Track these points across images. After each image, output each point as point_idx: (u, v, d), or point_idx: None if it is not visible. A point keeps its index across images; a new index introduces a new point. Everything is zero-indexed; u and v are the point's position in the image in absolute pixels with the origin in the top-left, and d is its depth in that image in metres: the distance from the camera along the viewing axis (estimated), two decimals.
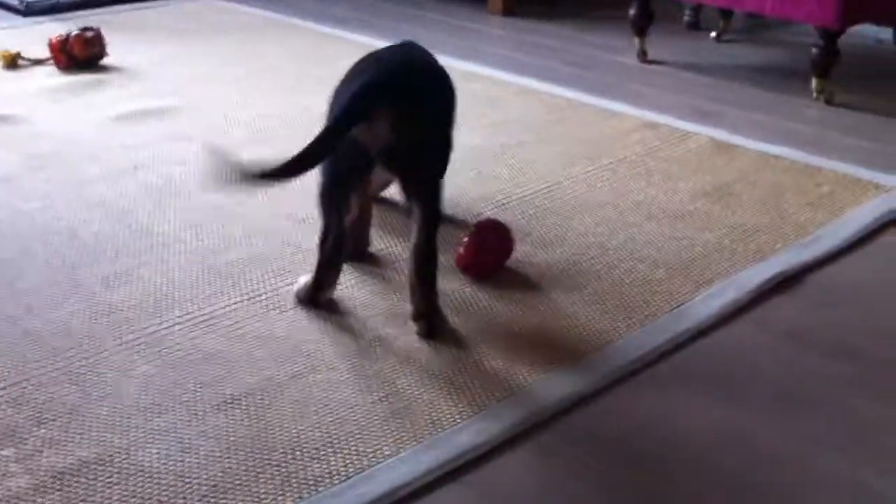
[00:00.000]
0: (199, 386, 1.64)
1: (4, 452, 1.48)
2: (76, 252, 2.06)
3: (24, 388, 1.63)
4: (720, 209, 2.30)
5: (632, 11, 3.43)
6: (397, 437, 1.53)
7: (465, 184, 2.39)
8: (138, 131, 2.73)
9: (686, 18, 3.95)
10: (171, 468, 1.45)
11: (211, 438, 1.51)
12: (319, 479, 1.43)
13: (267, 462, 1.47)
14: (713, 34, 3.79)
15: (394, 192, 2.12)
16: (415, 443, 1.51)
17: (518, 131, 2.77)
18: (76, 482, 1.42)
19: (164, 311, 1.86)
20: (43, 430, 1.52)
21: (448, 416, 1.58)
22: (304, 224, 2.14)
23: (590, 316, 1.87)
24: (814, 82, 3.05)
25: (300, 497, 1.40)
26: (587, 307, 1.90)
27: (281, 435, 1.52)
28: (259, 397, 1.61)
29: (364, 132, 1.68)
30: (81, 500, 1.39)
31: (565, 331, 1.82)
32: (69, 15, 3.96)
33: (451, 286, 1.94)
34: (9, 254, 2.06)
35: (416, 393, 1.63)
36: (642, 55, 3.49)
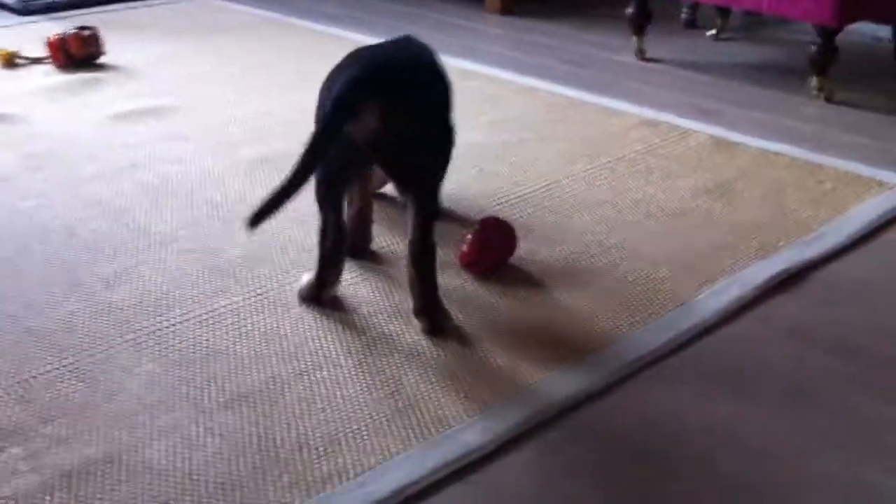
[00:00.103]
0: (204, 383, 1.63)
1: (13, 451, 1.47)
2: (75, 251, 2.06)
3: (30, 385, 1.62)
4: (721, 207, 2.30)
5: (630, 10, 3.43)
6: (403, 434, 1.52)
7: (467, 181, 2.39)
8: (136, 130, 2.72)
9: (683, 17, 3.95)
10: (179, 466, 1.44)
11: (218, 436, 1.51)
12: (328, 477, 1.43)
13: (275, 460, 1.46)
14: (711, 32, 3.79)
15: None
16: (421, 441, 1.51)
17: (518, 129, 2.77)
18: (84, 481, 1.41)
19: (166, 309, 1.85)
20: (49, 428, 1.52)
21: (454, 413, 1.57)
22: (306, 222, 2.13)
23: (594, 313, 1.87)
24: (813, 80, 3.05)
25: (308, 495, 1.40)
26: (591, 304, 1.89)
27: (287, 432, 1.52)
28: (265, 395, 1.61)
29: (353, 126, 1.68)
30: (89, 499, 1.38)
31: (569, 328, 1.82)
32: (66, 14, 3.94)
33: (455, 283, 1.94)
34: (6, 252, 2.05)
35: (422, 390, 1.63)
36: (640, 53, 3.49)
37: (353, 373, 1.67)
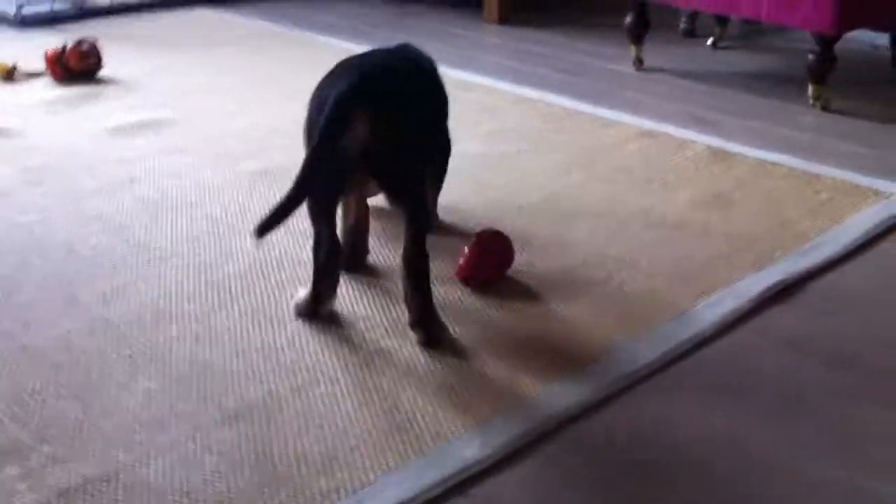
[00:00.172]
0: (201, 400, 1.63)
1: (10, 471, 1.47)
2: (73, 267, 2.06)
3: (27, 403, 1.62)
4: (719, 217, 2.30)
5: (628, 19, 3.43)
6: (401, 449, 1.52)
7: (464, 192, 2.39)
8: (135, 143, 2.72)
9: (682, 26, 3.95)
10: (177, 485, 1.44)
11: (215, 454, 1.51)
12: (326, 493, 1.43)
13: (273, 476, 1.46)
14: (709, 41, 3.80)
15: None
16: (419, 456, 1.51)
17: (516, 140, 2.77)
18: (81, 500, 1.41)
19: (164, 325, 1.85)
20: (47, 447, 1.52)
21: (451, 428, 1.57)
22: (303, 236, 2.13)
23: (591, 325, 1.87)
24: (810, 89, 3.05)
25: None
26: (588, 316, 1.89)
27: (285, 449, 1.52)
28: (262, 411, 1.61)
29: (345, 135, 1.67)
30: None
31: (567, 340, 1.82)
32: (64, 27, 3.95)
33: (453, 296, 1.94)
34: (6, 269, 2.05)
35: (419, 405, 1.63)
36: (638, 63, 3.49)
37: (351, 388, 1.67)
